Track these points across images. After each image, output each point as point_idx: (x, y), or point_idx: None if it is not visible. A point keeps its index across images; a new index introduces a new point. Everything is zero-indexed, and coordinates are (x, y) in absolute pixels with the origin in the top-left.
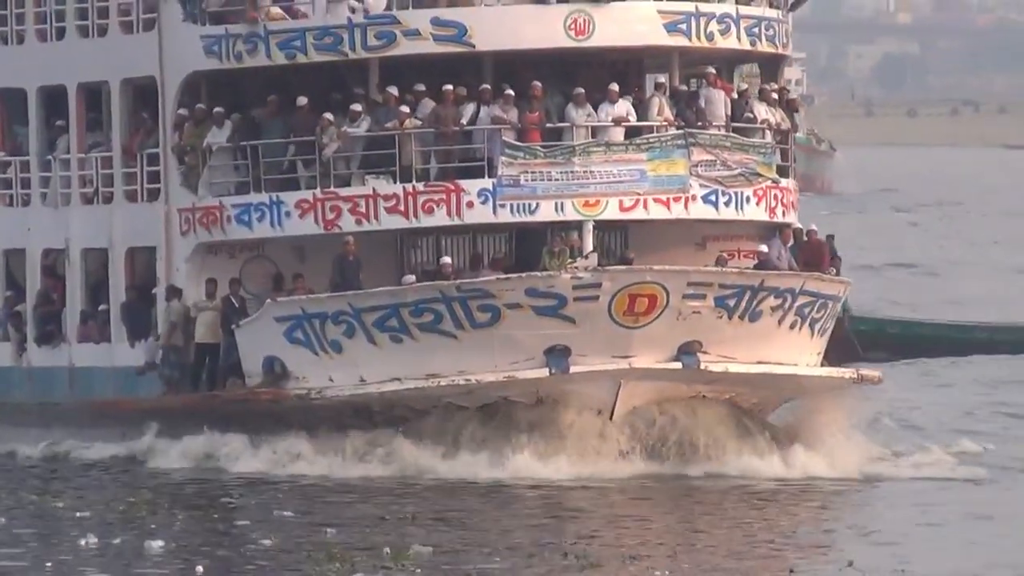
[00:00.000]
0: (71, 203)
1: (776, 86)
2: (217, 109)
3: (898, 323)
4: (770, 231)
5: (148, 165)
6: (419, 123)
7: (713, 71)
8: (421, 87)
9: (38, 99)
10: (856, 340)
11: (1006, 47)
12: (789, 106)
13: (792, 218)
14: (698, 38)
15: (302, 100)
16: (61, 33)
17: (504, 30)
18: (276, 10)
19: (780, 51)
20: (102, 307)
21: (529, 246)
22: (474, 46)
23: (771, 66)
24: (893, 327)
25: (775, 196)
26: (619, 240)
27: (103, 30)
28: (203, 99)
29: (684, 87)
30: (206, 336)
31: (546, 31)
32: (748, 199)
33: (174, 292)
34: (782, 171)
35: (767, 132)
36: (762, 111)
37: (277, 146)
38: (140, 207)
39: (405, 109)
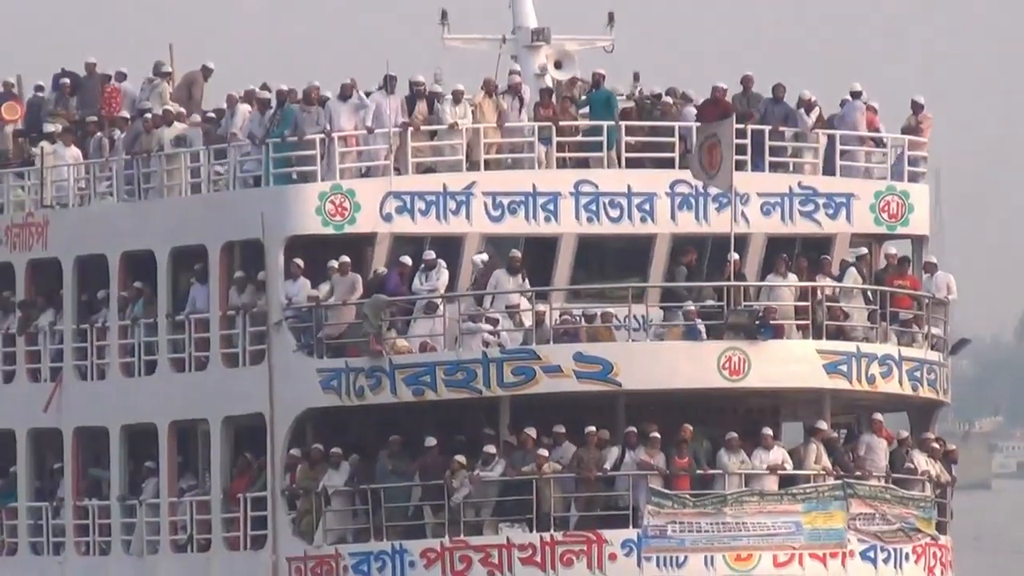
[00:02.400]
0: (159, 551)
1: (934, 435)
2: (334, 450)
3: None
4: None
5: (252, 510)
6: (559, 467)
7: (880, 418)
8: (560, 428)
9: (122, 439)
10: None
11: None
12: (948, 457)
13: None
14: (858, 380)
15: (431, 441)
16: (151, 367)
17: (652, 368)
18: (403, 342)
19: (940, 398)
20: None
21: None
22: (620, 384)
23: (926, 413)
24: None
25: (934, 554)
26: None
27: (201, 363)
28: (316, 438)
29: (836, 433)
30: None
31: (698, 370)
32: (907, 556)
33: None
34: (940, 527)
35: (927, 484)
36: (922, 462)
37: (400, 490)
38: (243, 556)
39: (543, 452)
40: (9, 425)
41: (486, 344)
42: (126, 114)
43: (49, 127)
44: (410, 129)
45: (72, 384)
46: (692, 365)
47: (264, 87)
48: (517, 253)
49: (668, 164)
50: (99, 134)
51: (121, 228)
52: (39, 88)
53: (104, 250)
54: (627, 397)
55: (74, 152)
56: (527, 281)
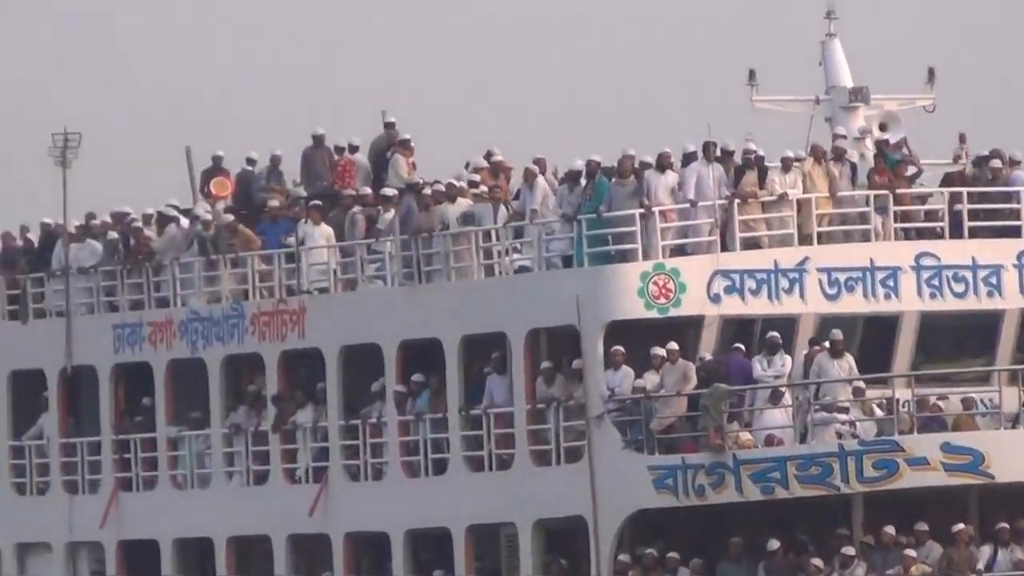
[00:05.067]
0: None
1: None
2: (671, 554)
3: None
4: None
5: None
6: (927, 569)
7: None
8: (923, 526)
9: (406, 545)
10: None
11: None
12: None
13: None
14: None
15: (774, 543)
16: (440, 467)
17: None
18: (746, 436)
19: None
20: None
21: None
22: (992, 476)
23: None
24: None
25: None
26: None
27: (504, 462)
28: (643, 542)
29: None
30: None
31: None
32: None
33: None
34: None
35: None
36: None
37: None
38: None
39: (911, 552)
40: (264, 531)
41: (839, 436)
42: (367, 189)
43: (274, 201)
44: (736, 202)
45: (340, 486)
46: None
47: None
48: (839, 335)
49: (1013, 233)
50: (354, 210)
51: (399, 315)
52: (249, 161)
53: (377, 339)
54: (989, 490)
55: (326, 231)
56: (853, 364)
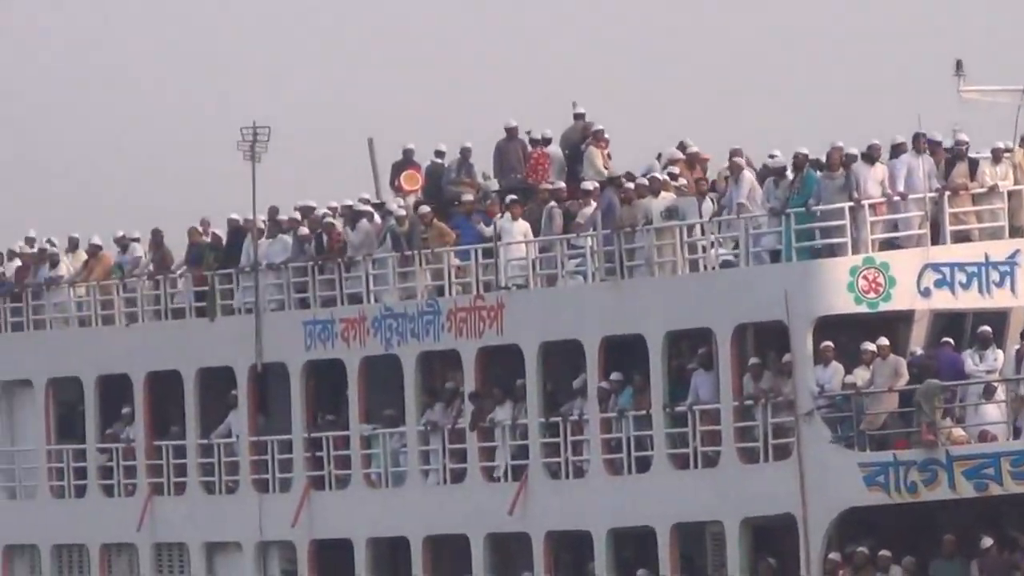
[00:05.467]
0: None
1: None
2: (883, 552)
3: None
4: None
5: None
6: None
7: None
8: None
9: (608, 544)
10: None
11: None
12: None
13: None
14: None
15: (987, 541)
16: (644, 464)
17: None
18: (959, 432)
19: None
20: None
21: None
22: None
23: None
24: None
25: None
26: None
27: (710, 459)
28: (852, 539)
29: None
30: None
31: None
32: None
33: None
34: None
35: None
36: None
37: None
38: None
39: None
40: (462, 530)
41: None
42: (561, 183)
43: (468, 196)
44: (947, 194)
45: (540, 484)
46: None
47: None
48: (987, 331)
49: None
50: (551, 204)
51: (601, 311)
52: (439, 154)
53: (578, 335)
54: None
55: (523, 226)
56: None
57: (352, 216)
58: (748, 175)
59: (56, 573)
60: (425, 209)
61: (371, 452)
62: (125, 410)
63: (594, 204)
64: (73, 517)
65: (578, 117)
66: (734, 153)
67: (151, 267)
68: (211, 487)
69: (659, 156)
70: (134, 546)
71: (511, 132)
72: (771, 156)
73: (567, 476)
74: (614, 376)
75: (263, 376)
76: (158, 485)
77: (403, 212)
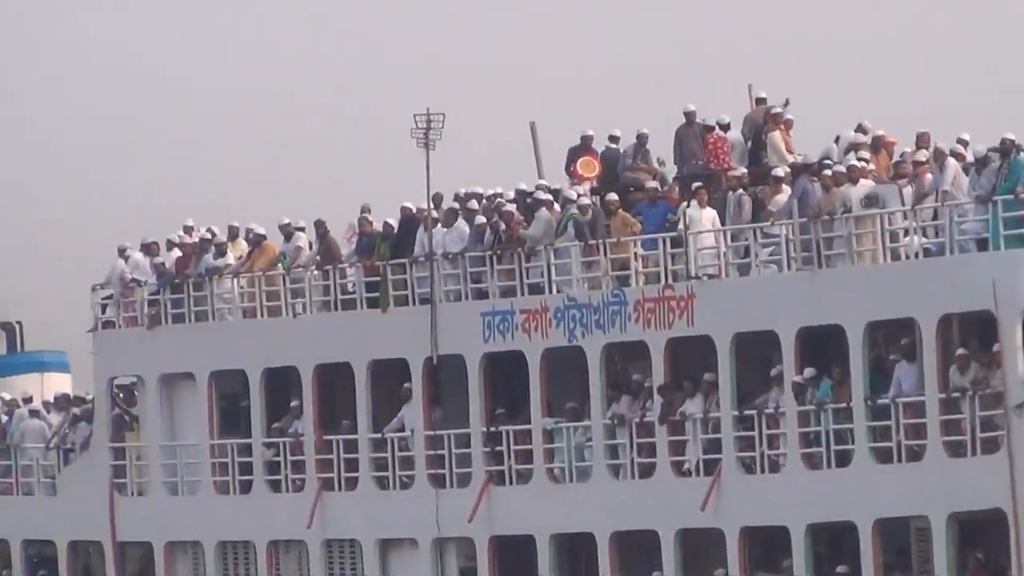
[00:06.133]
0: None
1: None
2: None
3: None
4: None
5: None
6: None
7: None
8: None
9: (806, 540)
10: None
11: None
12: None
13: None
14: None
15: None
16: (844, 459)
17: None
18: None
19: None
20: None
21: None
22: None
23: None
24: None
25: None
26: None
27: (914, 453)
28: None
29: None
30: None
31: None
32: None
33: None
34: None
35: None
36: None
37: None
38: None
39: None
40: (651, 526)
41: None
42: (742, 169)
43: (647, 183)
44: None
45: (734, 479)
46: None
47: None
48: None
49: None
50: (739, 191)
51: (797, 301)
52: (613, 139)
53: (773, 326)
54: None
55: (710, 213)
56: None
57: (532, 205)
58: (953, 161)
59: (221, 570)
60: (612, 197)
61: (554, 446)
62: (294, 403)
63: (786, 191)
64: (239, 513)
65: (760, 101)
66: (922, 137)
67: (318, 258)
68: (384, 482)
69: (837, 139)
70: (303, 543)
71: (689, 117)
72: (960, 141)
73: (762, 471)
74: (808, 372)
75: (437, 368)
76: (328, 480)
77: (587, 200)
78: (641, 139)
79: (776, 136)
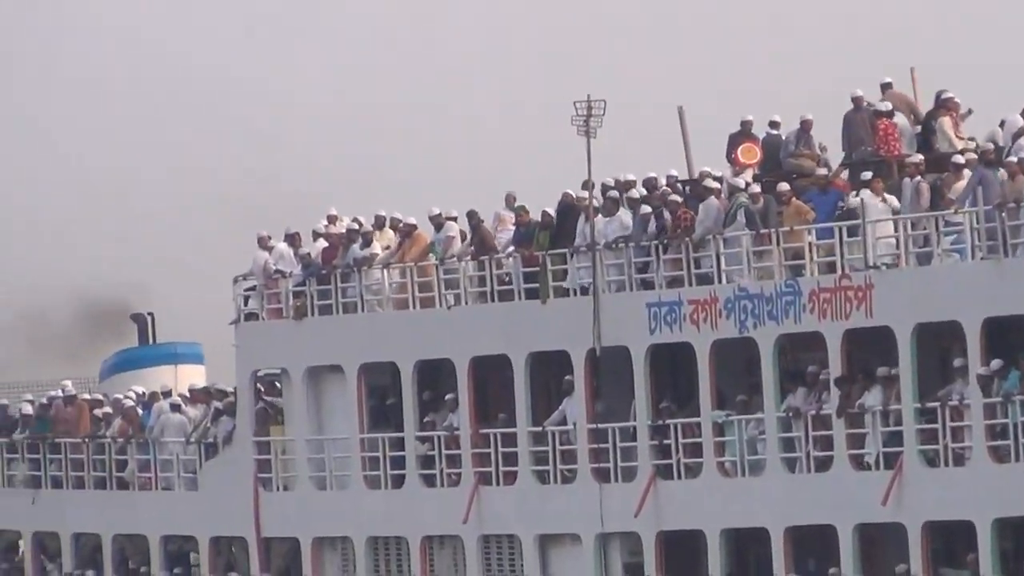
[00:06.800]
0: None
1: None
2: None
3: None
4: None
5: None
6: None
7: None
8: None
9: (992, 535)
10: None
11: None
12: None
13: None
14: None
15: None
16: None
17: None
18: None
19: None
20: None
21: None
22: None
23: None
24: None
25: None
26: None
27: None
28: None
29: None
30: None
31: None
32: None
33: None
34: None
35: None
36: None
37: None
38: None
39: None
40: (828, 520)
41: None
42: (918, 156)
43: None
44: None
45: (916, 472)
46: None
47: None
48: None
49: None
50: (916, 179)
51: (983, 291)
52: (773, 124)
53: (957, 316)
54: None
55: (887, 202)
56: None
57: (702, 192)
58: None
59: (372, 566)
60: (784, 187)
61: (724, 439)
62: (448, 396)
63: (965, 178)
64: (391, 508)
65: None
66: None
67: (472, 248)
68: (544, 476)
69: (1002, 123)
70: (459, 538)
71: (857, 102)
72: None
73: (946, 464)
74: (994, 363)
75: (599, 360)
76: (485, 475)
77: (756, 188)
78: (805, 125)
79: (946, 122)
